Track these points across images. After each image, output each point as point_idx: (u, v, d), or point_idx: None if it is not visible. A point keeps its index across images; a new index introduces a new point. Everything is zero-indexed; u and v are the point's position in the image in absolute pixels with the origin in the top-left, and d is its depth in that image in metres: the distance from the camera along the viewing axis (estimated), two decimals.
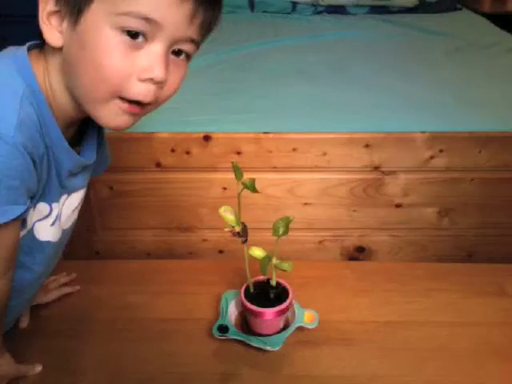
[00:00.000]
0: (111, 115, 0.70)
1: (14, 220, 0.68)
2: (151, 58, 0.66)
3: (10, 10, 2.75)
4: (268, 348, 0.92)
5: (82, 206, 0.90)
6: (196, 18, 0.68)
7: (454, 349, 0.96)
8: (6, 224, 0.67)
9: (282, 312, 0.95)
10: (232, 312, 1.01)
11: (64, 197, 0.82)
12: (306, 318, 0.98)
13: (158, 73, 0.67)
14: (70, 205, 0.85)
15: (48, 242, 0.83)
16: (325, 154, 1.33)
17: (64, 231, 0.87)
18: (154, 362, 0.94)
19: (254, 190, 0.90)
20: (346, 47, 2.05)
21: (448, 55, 1.93)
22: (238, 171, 0.90)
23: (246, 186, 0.90)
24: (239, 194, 0.92)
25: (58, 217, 0.81)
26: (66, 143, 0.74)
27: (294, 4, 2.57)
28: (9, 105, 0.65)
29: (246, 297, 0.96)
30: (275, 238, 0.94)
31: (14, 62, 0.71)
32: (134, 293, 1.11)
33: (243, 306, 0.96)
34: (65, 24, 0.67)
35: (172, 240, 1.45)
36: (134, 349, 0.97)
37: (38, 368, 0.90)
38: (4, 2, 2.73)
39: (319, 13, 2.58)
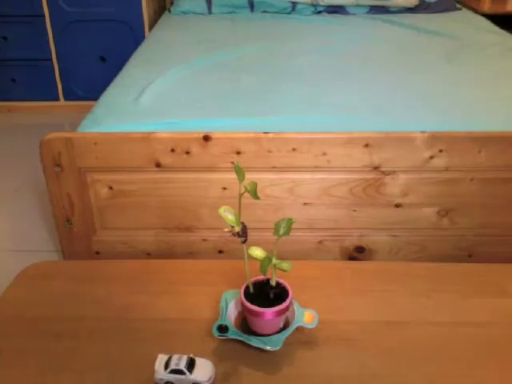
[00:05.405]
0: None
1: None
2: None
3: (10, 10, 2.75)
4: (268, 348, 0.93)
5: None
6: None
7: (454, 349, 0.96)
8: None
9: (282, 312, 0.95)
10: (232, 312, 1.01)
11: None
12: (306, 318, 0.98)
13: None
14: None
15: None
16: (325, 154, 1.33)
17: None
18: (154, 362, 0.94)
19: (255, 196, 0.90)
20: (346, 47, 2.05)
21: (448, 55, 1.93)
22: (239, 172, 0.91)
23: (247, 191, 0.90)
24: (240, 195, 0.92)
25: None
26: None
27: (294, 4, 2.57)
28: None
29: (245, 297, 0.96)
30: (275, 237, 0.94)
31: None
32: (134, 293, 1.11)
33: (243, 306, 0.96)
34: None
35: (172, 240, 1.45)
36: (134, 349, 0.97)
37: None
38: (4, 2, 2.73)
39: (319, 13, 2.59)
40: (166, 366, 0.88)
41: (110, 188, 1.37)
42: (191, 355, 0.90)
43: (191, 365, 0.88)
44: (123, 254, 1.46)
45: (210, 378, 0.88)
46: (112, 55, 2.84)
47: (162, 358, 0.90)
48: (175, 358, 0.89)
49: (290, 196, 1.39)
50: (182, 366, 0.88)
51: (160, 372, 0.88)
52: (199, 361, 0.90)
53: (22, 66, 2.86)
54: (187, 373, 0.87)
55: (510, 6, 2.87)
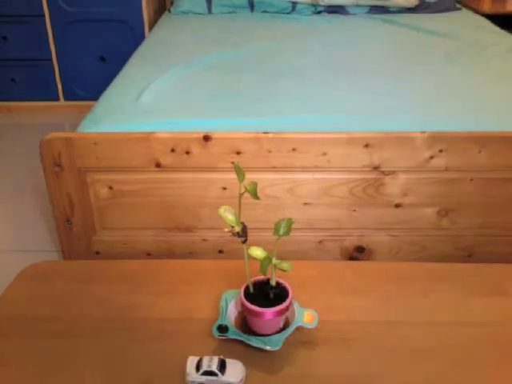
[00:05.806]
0: None
1: None
2: None
3: (10, 10, 2.75)
4: (268, 348, 0.93)
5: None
6: None
7: (454, 349, 0.96)
8: None
9: (282, 312, 0.95)
10: (232, 312, 1.01)
11: None
12: (306, 318, 0.98)
13: None
14: None
15: None
16: (325, 154, 1.33)
17: None
18: (154, 361, 0.94)
19: (255, 196, 0.90)
20: (346, 47, 2.05)
21: (448, 55, 1.93)
22: (239, 172, 0.91)
23: (247, 191, 0.90)
24: (240, 195, 0.92)
25: None
26: None
27: (294, 4, 2.57)
28: None
29: (245, 297, 0.96)
30: (275, 237, 0.94)
31: None
32: (134, 293, 1.11)
33: (243, 306, 0.96)
34: None
35: (172, 240, 1.45)
36: (134, 349, 0.97)
37: None
38: (4, 2, 2.73)
39: (319, 13, 2.59)
40: (198, 367, 0.88)
41: (110, 188, 1.37)
42: (221, 356, 0.90)
43: (222, 366, 0.88)
44: (123, 254, 1.46)
45: (242, 380, 0.88)
46: (112, 55, 2.84)
47: (192, 360, 0.89)
48: (206, 359, 0.89)
49: (290, 196, 1.39)
50: (214, 367, 0.87)
51: (192, 374, 0.87)
52: (229, 362, 0.89)
53: (21, 65, 2.86)
54: (219, 374, 0.87)
55: (510, 6, 2.87)
